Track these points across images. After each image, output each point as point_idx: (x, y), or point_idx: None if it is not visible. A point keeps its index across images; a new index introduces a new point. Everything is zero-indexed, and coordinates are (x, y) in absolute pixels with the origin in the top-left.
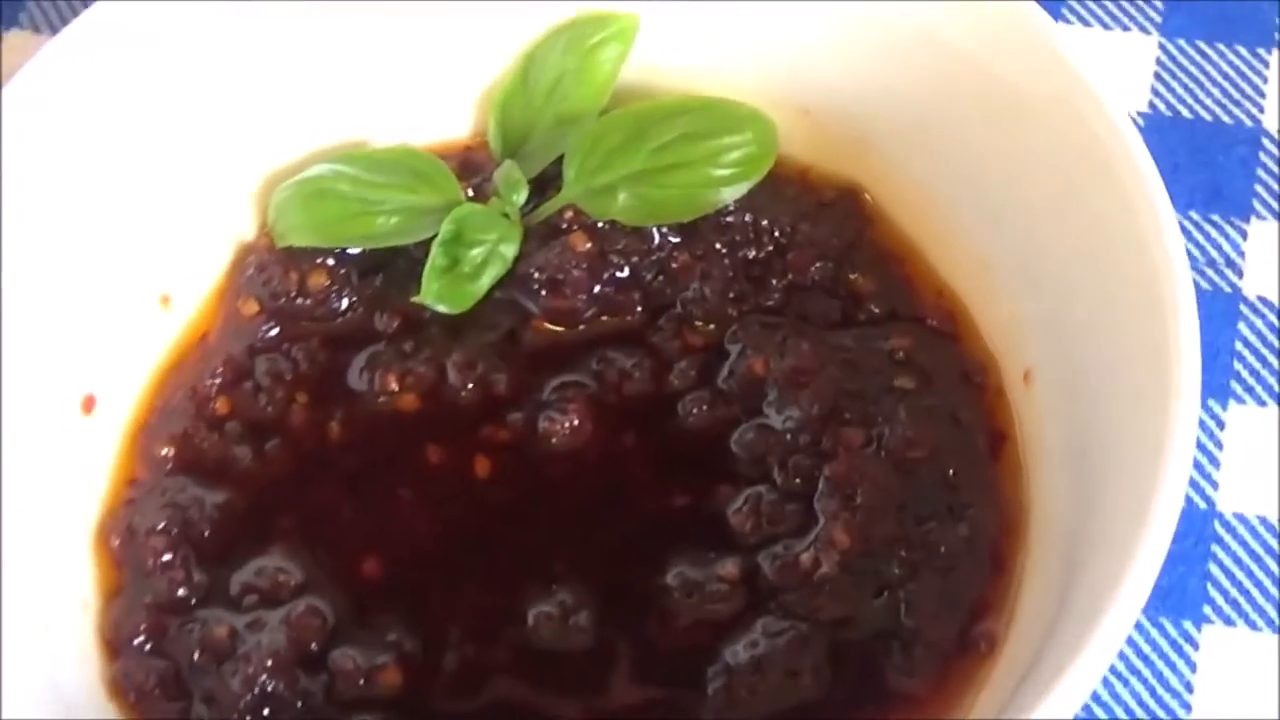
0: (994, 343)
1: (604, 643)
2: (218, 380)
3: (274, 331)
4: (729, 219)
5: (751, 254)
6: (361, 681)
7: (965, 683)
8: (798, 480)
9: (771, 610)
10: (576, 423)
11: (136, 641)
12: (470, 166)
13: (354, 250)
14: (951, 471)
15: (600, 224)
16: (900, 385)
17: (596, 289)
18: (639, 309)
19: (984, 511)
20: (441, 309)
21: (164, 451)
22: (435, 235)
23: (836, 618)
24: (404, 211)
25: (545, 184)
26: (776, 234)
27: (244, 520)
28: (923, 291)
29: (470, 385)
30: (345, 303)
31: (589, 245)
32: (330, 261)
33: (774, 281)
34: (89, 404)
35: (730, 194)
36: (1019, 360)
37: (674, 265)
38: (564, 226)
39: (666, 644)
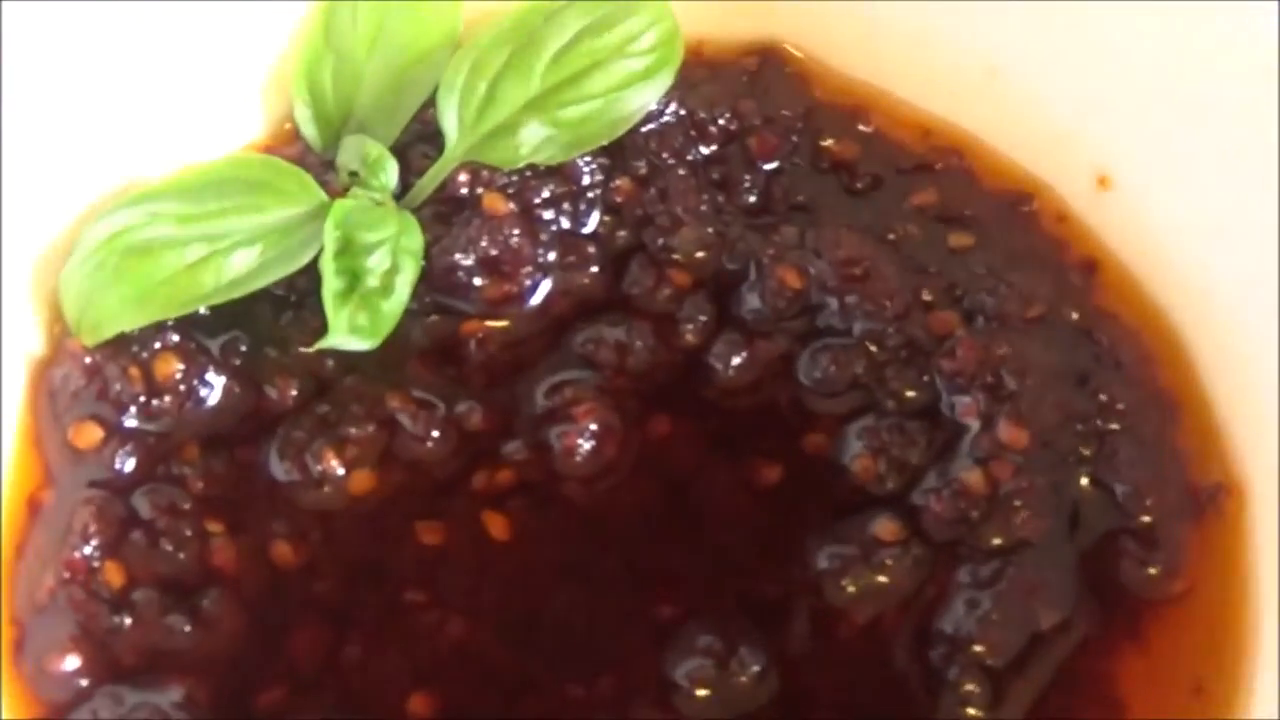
0: (1028, 156)
1: (786, 678)
2: (95, 543)
3: (133, 455)
4: (661, 121)
5: (703, 152)
6: None
7: (1214, 552)
8: (909, 392)
9: (966, 557)
10: (594, 427)
11: None
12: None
13: (200, 312)
14: (1075, 316)
15: (509, 175)
16: (956, 244)
17: (540, 255)
18: (597, 266)
19: (1128, 348)
20: (357, 346)
21: (66, 665)
22: (310, 258)
23: (1044, 533)
24: (265, 237)
25: (404, 154)
26: (721, 122)
27: (222, 708)
28: (907, 135)
29: (435, 432)
30: (215, 384)
31: (509, 205)
32: (174, 337)
33: (745, 177)
34: None
35: (654, 91)
36: (1079, 166)
37: (619, 197)
38: (464, 193)
39: (858, 647)
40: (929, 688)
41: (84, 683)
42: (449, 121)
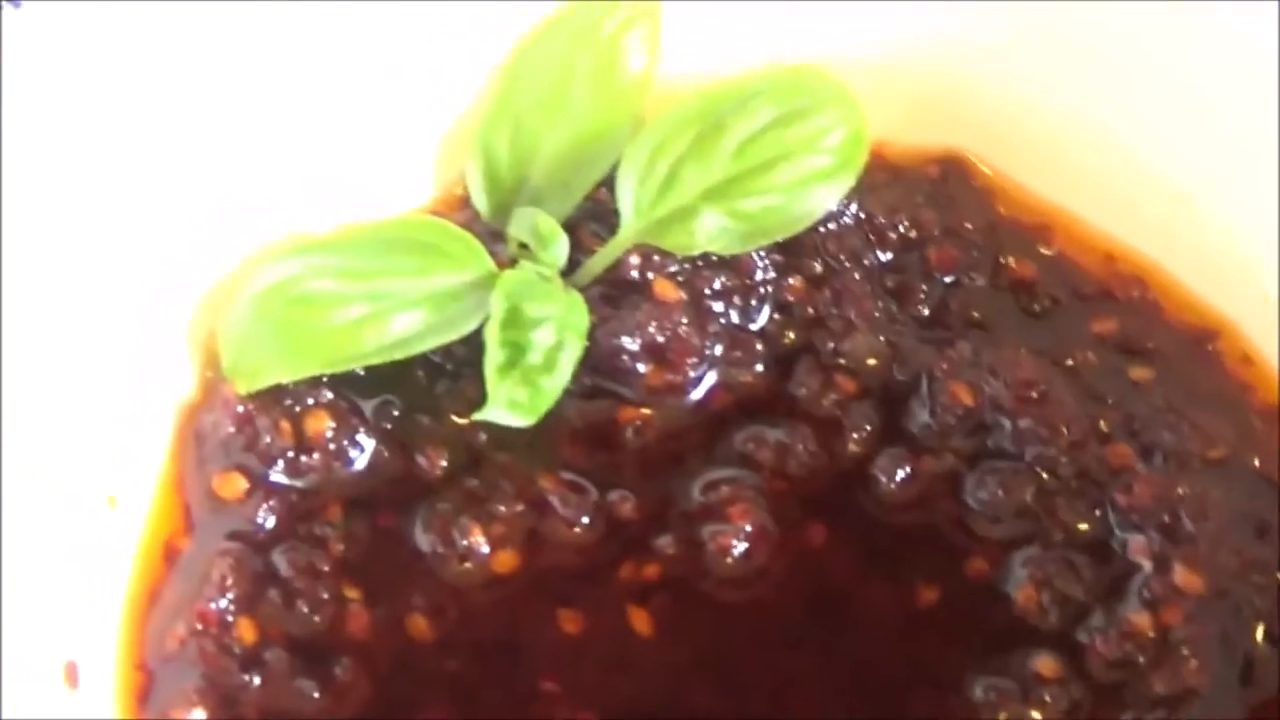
0: (1214, 291)
1: None
2: (231, 596)
3: (276, 511)
4: (841, 222)
5: (880, 258)
6: None
7: None
8: (1080, 524)
9: (1125, 702)
10: (749, 529)
11: None
12: None
13: (357, 371)
14: (1258, 463)
15: (681, 261)
16: (1136, 376)
17: (707, 347)
18: (761, 364)
19: None
20: (514, 422)
21: (191, 717)
22: (473, 328)
23: (1213, 684)
24: (429, 300)
25: (575, 230)
26: (901, 229)
27: None
28: (1089, 260)
29: (586, 517)
30: (365, 446)
31: (680, 294)
32: (327, 395)
33: (921, 287)
34: (71, 673)
35: (836, 190)
36: (1267, 306)
37: (790, 296)
38: (634, 276)
39: None
40: None
41: None
42: (625, 201)
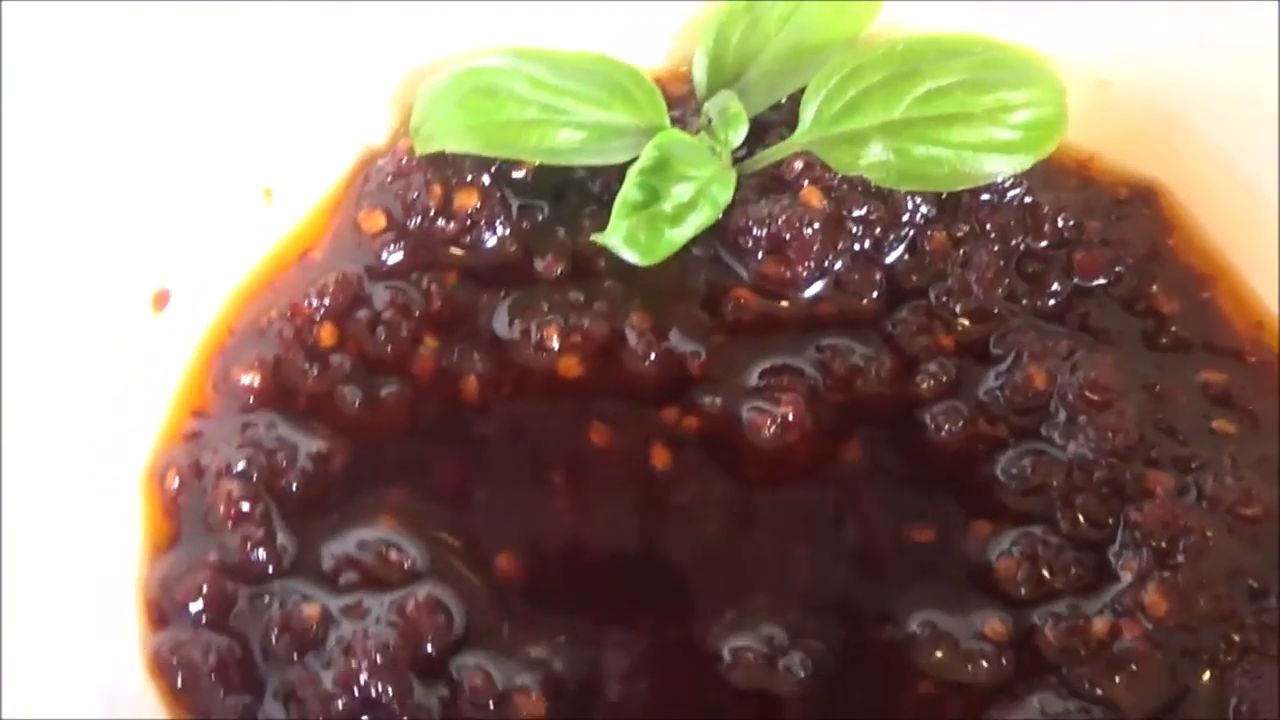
0: None
1: (821, 699)
2: (325, 302)
3: (401, 255)
4: (1006, 197)
5: (1027, 245)
6: (492, 705)
7: None
8: (1088, 524)
9: (1052, 685)
10: (791, 418)
11: (193, 609)
12: (668, 99)
13: (516, 170)
14: None
15: (838, 180)
16: (1219, 428)
17: (827, 260)
18: (876, 292)
19: None
20: (628, 256)
21: (247, 380)
22: (629, 163)
23: (1139, 705)
24: (593, 127)
25: (762, 130)
26: (1061, 226)
27: (344, 478)
28: (1238, 319)
29: (653, 355)
30: (499, 233)
31: (825, 204)
32: (485, 179)
33: (1054, 283)
34: (161, 300)
35: (1011, 165)
36: None
37: (926, 245)
38: (791, 179)
39: (906, 710)
40: None
41: (252, 400)
42: (808, 111)
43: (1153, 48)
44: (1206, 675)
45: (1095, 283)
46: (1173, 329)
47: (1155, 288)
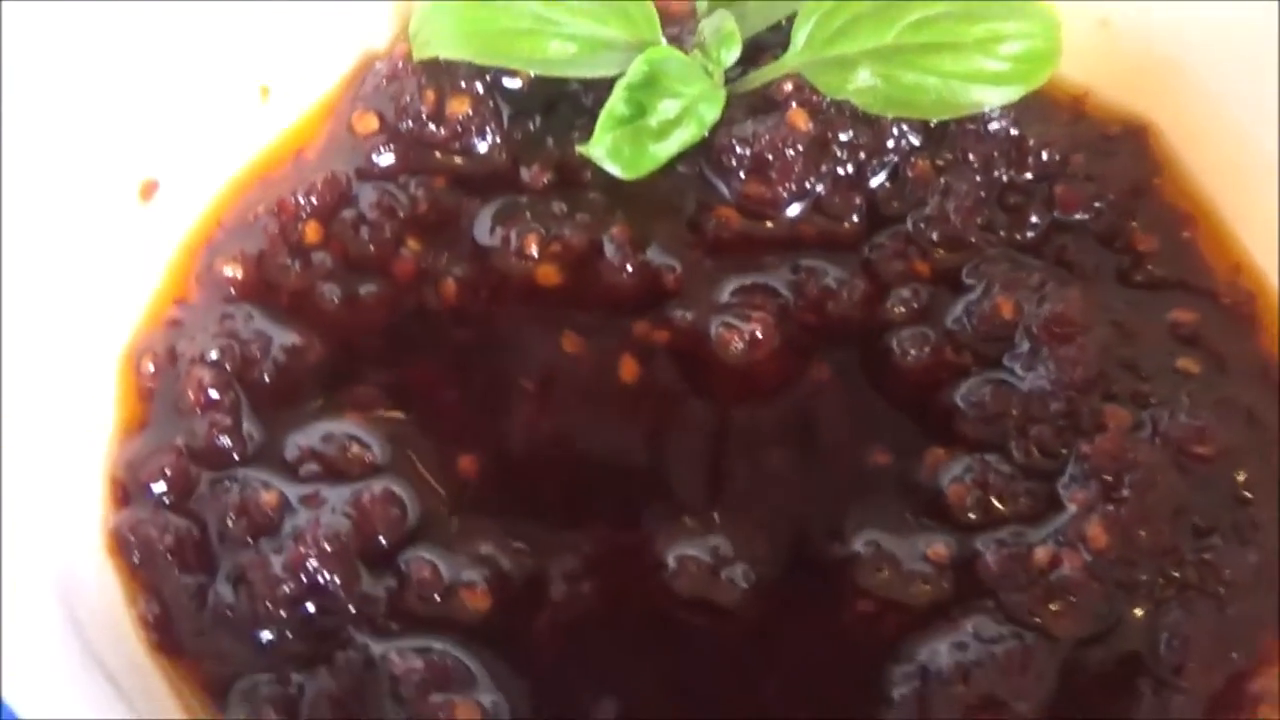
0: None
1: (761, 611)
2: (312, 200)
3: (391, 157)
4: (990, 128)
5: (1009, 176)
6: (438, 596)
7: None
8: (1041, 455)
9: (989, 609)
10: (760, 335)
11: (155, 490)
12: (665, 16)
13: (510, 80)
14: (1242, 481)
15: (826, 104)
16: (1183, 367)
17: (809, 182)
18: (855, 216)
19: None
20: (611, 169)
21: (230, 271)
22: (618, 77)
23: (1073, 634)
24: (585, 40)
25: (757, 51)
26: (1044, 159)
27: (316, 373)
28: (1216, 261)
29: (630, 267)
30: (487, 141)
31: (810, 126)
32: (479, 87)
33: (1033, 215)
34: (149, 190)
35: (999, 96)
36: None
37: (909, 172)
38: (780, 100)
39: (844, 626)
40: (871, 696)
41: (233, 292)
42: (800, 33)
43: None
44: (1141, 609)
45: (1075, 217)
46: (1149, 267)
47: (1135, 225)
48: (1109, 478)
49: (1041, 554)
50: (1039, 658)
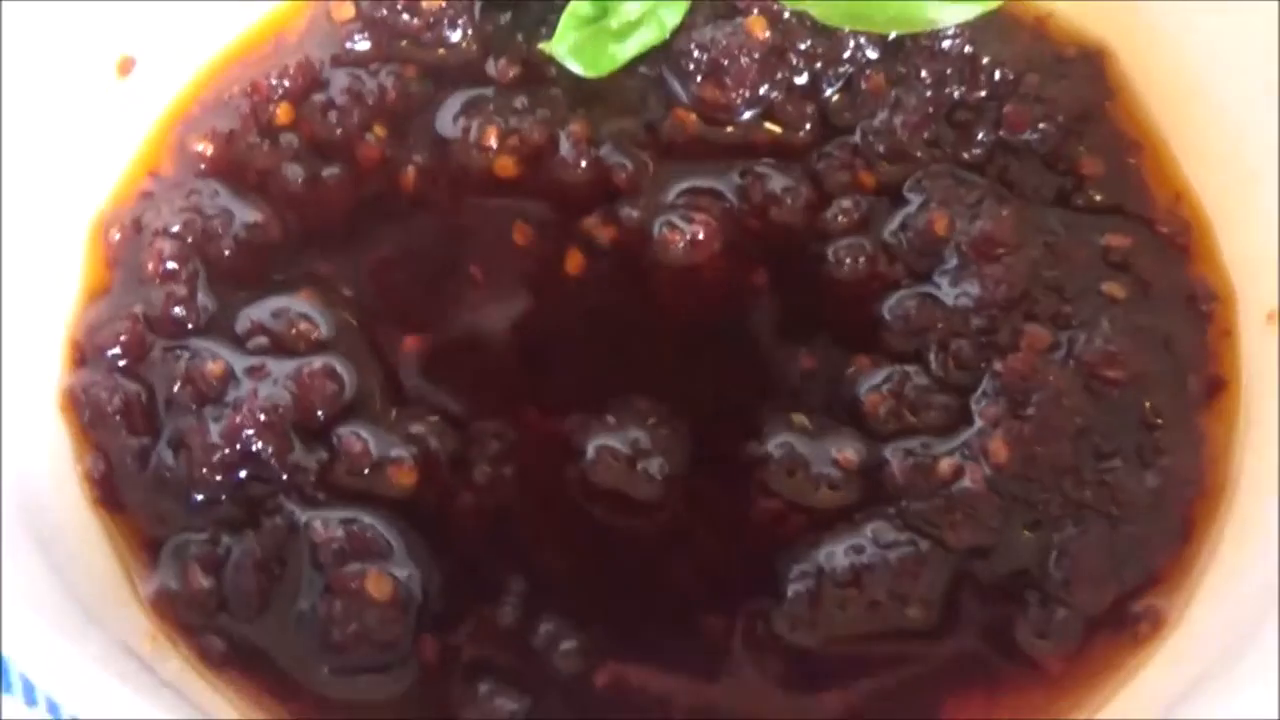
0: (1236, 270)
1: (673, 504)
2: (285, 83)
3: (366, 45)
4: (943, 45)
5: (960, 94)
6: (366, 470)
7: (1107, 666)
8: (958, 369)
9: (889, 516)
10: (701, 237)
11: (110, 353)
12: None
13: None
14: (1150, 406)
15: (786, 13)
16: (1108, 291)
17: (763, 89)
18: (808, 125)
19: (1181, 464)
20: (573, 67)
21: (200, 148)
22: None
23: (968, 545)
24: None
25: None
26: (997, 78)
27: (274, 251)
28: (1158, 190)
29: (584, 164)
30: (459, 33)
31: (767, 34)
32: None
33: (980, 133)
34: (126, 66)
35: (954, 14)
36: (1263, 297)
37: (863, 85)
38: (741, 5)
39: (749, 524)
40: (767, 590)
41: (203, 167)
42: None
43: None
44: (1036, 525)
45: (1021, 137)
46: (1090, 190)
47: (1081, 148)
48: (1018, 396)
49: (945, 466)
50: (931, 566)
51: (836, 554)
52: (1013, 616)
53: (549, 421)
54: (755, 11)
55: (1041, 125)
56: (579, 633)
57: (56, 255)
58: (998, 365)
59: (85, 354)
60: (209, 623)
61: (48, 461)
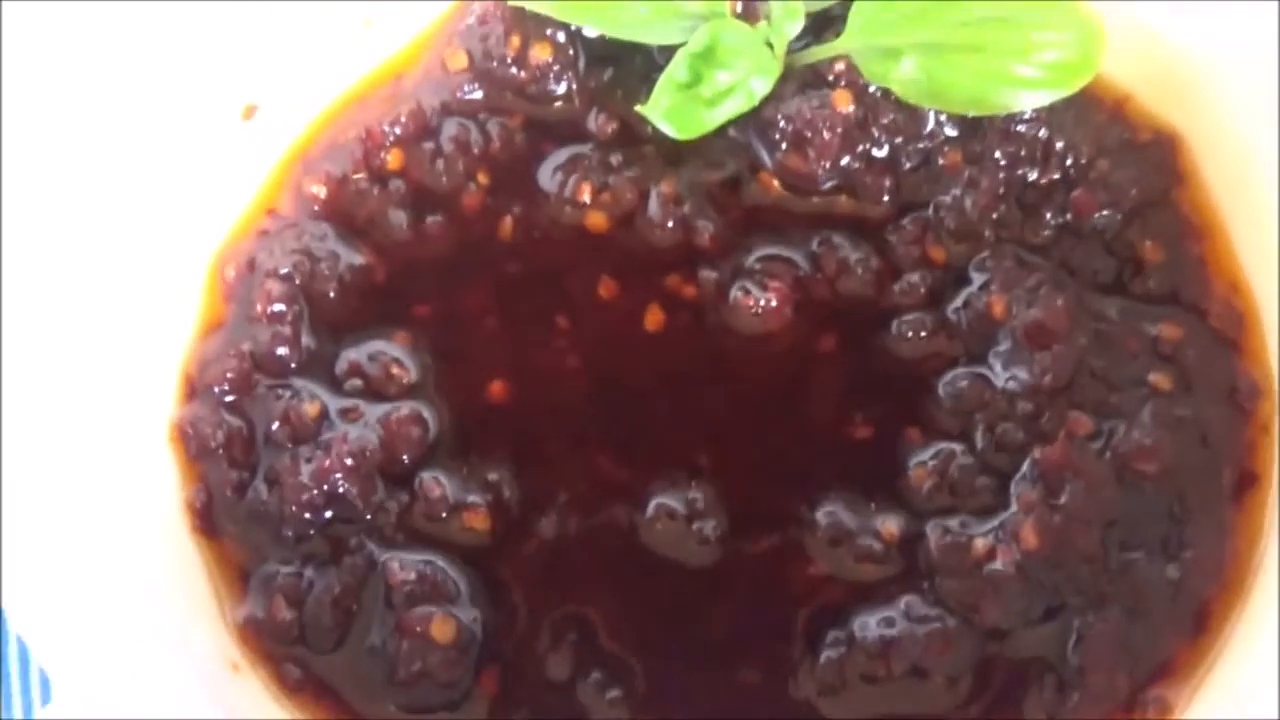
0: None
1: (722, 561)
2: (397, 130)
3: (476, 95)
4: (1019, 128)
5: (1033, 176)
6: (444, 514)
7: None
8: (1000, 452)
9: (923, 590)
10: (774, 304)
11: (218, 389)
12: None
13: (590, 30)
14: (1180, 499)
15: (872, 89)
16: (1154, 382)
17: (845, 160)
18: (885, 199)
19: (1204, 557)
20: (666, 129)
21: (315, 189)
22: (683, 44)
23: (994, 625)
24: (657, 6)
25: (823, 26)
26: (1069, 163)
27: (376, 294)
28: (1216, 280)
29: (671, 224)
30: (563, 87)
31: (852, 108)
32: (561, 37)
33: (1048, 215)
34: (250, 111)
35: (1031, 100)
36: None
37: (941, 161)
38: (830, 79)
39: (791, 586)
40: (804, 653)
41: (317, 209)
42: (855, 19)
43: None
44: (1057, 609)
45: (1088, 221)
46: (1148, 276)
47: (1144, 233)
48: (1054, 484)
49: (980, 546)
50: (958, 642)
51: (870, 625)
52: (1026, 697)
53: (616, 472)
54: (843, 83)
55: (1108, 211)
56: (623, 683)
57: (176, 290)
58: (1038, 453)
59: (195, 388)
60: (289, 652)
61: (154, 488)
